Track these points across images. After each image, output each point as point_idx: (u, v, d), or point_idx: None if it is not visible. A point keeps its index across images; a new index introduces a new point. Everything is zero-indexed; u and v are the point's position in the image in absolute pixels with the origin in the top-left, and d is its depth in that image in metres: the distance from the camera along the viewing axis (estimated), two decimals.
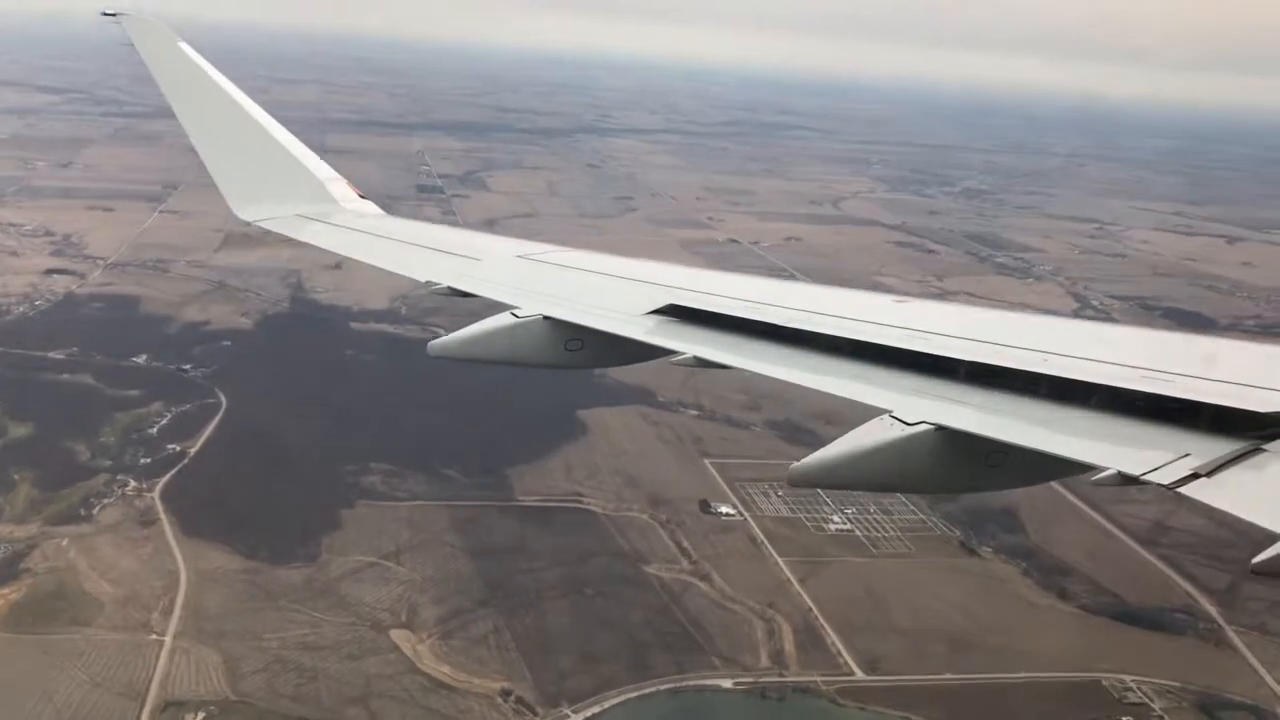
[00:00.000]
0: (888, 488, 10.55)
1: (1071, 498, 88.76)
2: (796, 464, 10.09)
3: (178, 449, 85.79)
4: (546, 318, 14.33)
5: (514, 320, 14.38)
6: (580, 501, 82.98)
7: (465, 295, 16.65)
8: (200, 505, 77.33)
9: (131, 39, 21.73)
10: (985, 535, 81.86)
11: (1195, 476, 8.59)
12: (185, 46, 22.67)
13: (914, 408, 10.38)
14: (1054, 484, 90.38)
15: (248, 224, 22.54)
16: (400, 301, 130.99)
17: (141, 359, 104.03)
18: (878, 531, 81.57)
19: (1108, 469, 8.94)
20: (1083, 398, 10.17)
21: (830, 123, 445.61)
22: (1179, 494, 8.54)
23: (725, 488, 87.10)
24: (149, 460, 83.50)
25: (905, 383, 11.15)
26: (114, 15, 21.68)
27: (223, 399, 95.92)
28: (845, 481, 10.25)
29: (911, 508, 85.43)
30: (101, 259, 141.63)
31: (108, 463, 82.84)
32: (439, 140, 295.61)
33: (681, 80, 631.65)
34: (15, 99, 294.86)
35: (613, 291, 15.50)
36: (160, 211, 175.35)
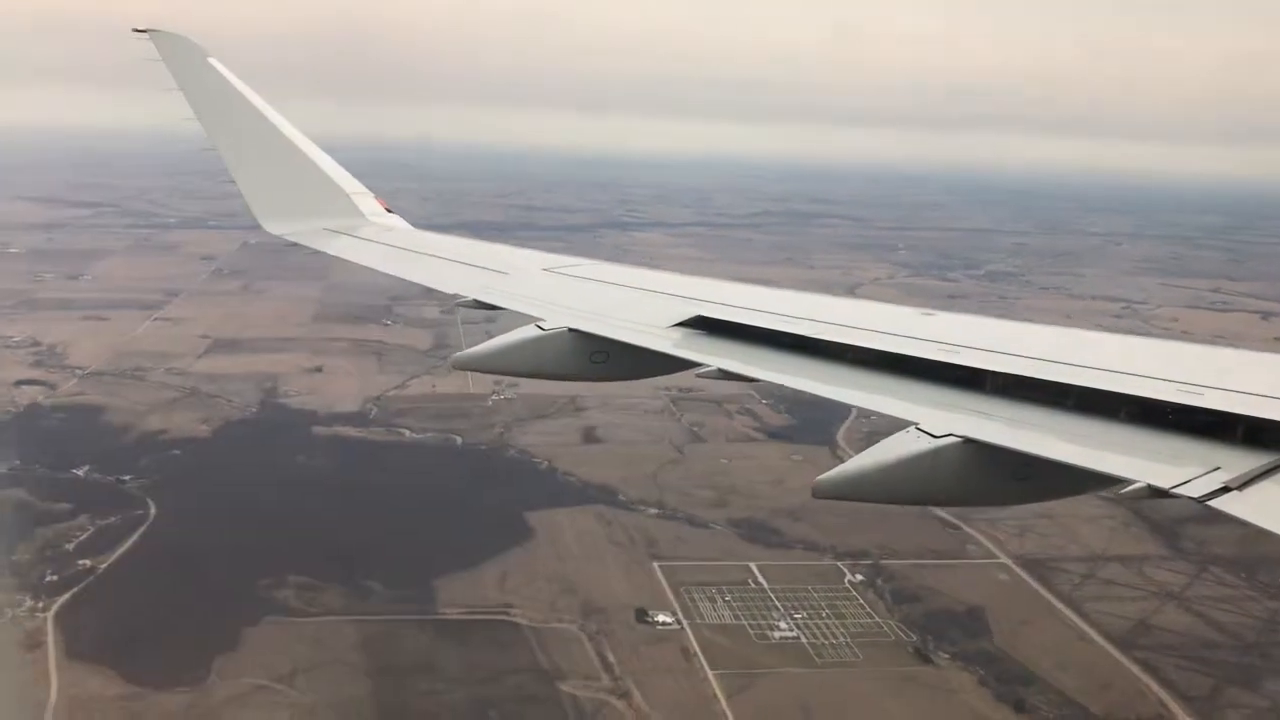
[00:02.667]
0: (914, 500, 10.24)
1: (1046, 594, 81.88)
2: (822, 476, 9.73)
3: (88, 564, 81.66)
4: (571, 330, 14.20)
5: (539, 332, 14.25)
6: (507, 613, 77.33)
7: (490, 308, 16.56)
8: (94, 626, 72.89)
9: (160, 56, 22.09)
10: (945, 639, 75.07)
11: (1226, 490, 8.31)
12: (214, 62, 23.13)
13: (941, 420, 10.12)
14: (1029, 579, 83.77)
15: (276, 236, 23.32)
16: (372, 404, 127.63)
17: (82, 470, 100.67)
18: (826, 638, 75.03)
19: (1137, 482, 8.60)
20: (1112, 410, 10.06)
21: (867, 210, 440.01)
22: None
23: (669, 593, 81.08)
24: (55, 578, 79.40)
25: (933, 395, 11.06)
26: (144, 32, 22.09)
27: (152, 511, 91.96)
28: (869, 494, 9.89)
29: (868, 610, 79.00)
30: (80, 368, 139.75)
31: (12, 581, 78.96)
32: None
33: (717, 175, 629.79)
34: (45, 214, 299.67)
35: (639, 304, 15.39)
36: (154, 319, 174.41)
